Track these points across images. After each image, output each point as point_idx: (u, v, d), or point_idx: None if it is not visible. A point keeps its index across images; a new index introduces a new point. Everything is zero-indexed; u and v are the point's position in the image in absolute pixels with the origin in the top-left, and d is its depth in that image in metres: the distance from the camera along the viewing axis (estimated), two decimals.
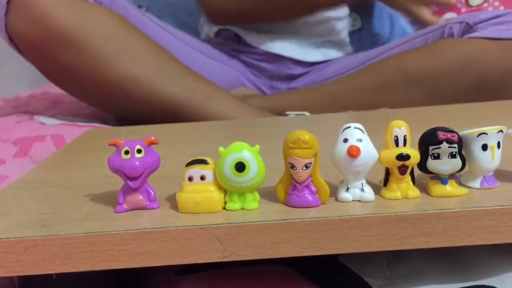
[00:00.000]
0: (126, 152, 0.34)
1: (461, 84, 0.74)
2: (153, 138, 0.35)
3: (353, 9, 1.11)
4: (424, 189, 0.35)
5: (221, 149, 0.34)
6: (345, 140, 0.33)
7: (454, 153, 0.33)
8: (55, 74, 0.77)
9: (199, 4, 0.96)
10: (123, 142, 0.35)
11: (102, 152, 0.53)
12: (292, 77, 0.99)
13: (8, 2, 0.70)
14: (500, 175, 0.36)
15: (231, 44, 0.99)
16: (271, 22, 0.96)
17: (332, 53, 1.00)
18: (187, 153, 0.51)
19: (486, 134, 0.34)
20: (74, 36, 0.70)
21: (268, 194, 0.36)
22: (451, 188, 0.34)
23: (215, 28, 1.01)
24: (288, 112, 0.76)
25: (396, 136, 0.34)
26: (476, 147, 0.34)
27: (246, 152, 0.33)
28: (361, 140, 0.33)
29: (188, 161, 0.35)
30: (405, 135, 0.34)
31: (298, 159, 0.33)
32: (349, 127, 0.34)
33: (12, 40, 0.75)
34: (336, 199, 0.34)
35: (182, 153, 0.51)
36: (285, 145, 0.33)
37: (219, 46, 0.99)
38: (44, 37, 0.70)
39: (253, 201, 0.34)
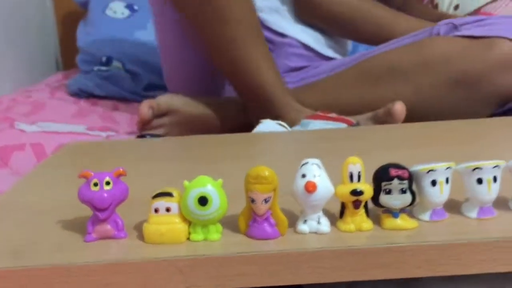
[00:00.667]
0: (95, 184, 0.36)
1: (444, 78, 0.77)
2: (121, 170, 0.37)
3: None
4: (378, 220, 0.37)
5: (186, 183, 0.36)
6: (303, 176, 0.35)
7: (404, 189, 0.35)
8: None
9: None
10: (92, 174, 0.36)
11: (78, 170, 0.55)
12: (287, 70, 1.01)
13: None
14: (449, 206, 0.38)
15: None
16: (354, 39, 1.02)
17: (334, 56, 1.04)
18: (166, 172, 0.53)
19: (435, 171, 0.36)
20: None
21: (231, 224, 0.37)
22: (401, 221, 0.36)
23: None
24: (263, 120, 0.77)
25: (351, 172, 0.36)
26: (426, 183, 0.36)
27: (209, 187, 0.35)
28: (317, 176, 0.35)
29: (155, 193, 0.36)
30: (359, 171, 0.36)
31: (258, 194, 0.35)
32: (307, 163, 0.36)
33: None
34: (295, 230, 0.36)
35: (160, 172, 0.53)
36: (246, 180, 0.35)
37: None
38: None
39: (215, 233, 0.36)
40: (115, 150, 0.62)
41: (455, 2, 1.32)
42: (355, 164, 0.36)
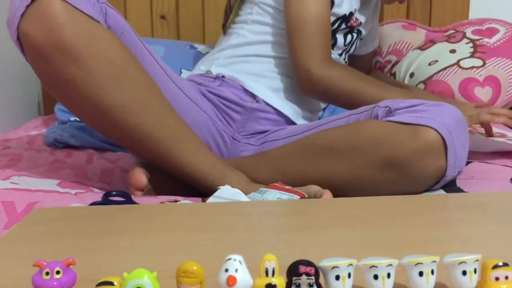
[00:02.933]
0: (47, 273, 0.42)
1: (375, 160, 0.84)
2: (71, 260, 0.43)
3: None
4: None
5: (125, 274, 0.42)
6: (226, 270, 0.42)
7: (311, 283, 0.41)
8: (51, 82, 0.84)
9: (298, 65, 1.04)
10: (45, 264, 0.42)
11: (40, 242, 0.60)
12: (254, 132, 1.09)
13: (28, 6, 0.76)
14: None
15: (210, 86, 1.09)
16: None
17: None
18: (116, 247, 0.58)
19: (338, 267, 0.42)
20: (81, 53, 0.78)
21: None
22: None
23: (204, 68, 1.12)
24: (221, 187, 0.84)
25: (267, 268, 0.42)
26: (331, 277, 0.42)
27: (145, 279, 0.41)
28: (238, 270, 0.41)
29: (99, 281, 0.42)
30: (273, 267, 0.42)
31: (186, 286, 0.41)
32: (230, 259, 0.42)
33: (19, 40, 0.80)
34: None
35: (111, 247, 0.58)
36: (177, 273, 0.41)
37: (199, 86, 1.09)
38: (53, 47, 0.77)
39: None
40: (77, 219, 0.68)
41: (410, 71, 1.43)
42: (270, 261, 0.42)
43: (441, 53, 1.46)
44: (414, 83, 1.42)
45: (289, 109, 1.10)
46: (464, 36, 1.50)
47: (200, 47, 1.56)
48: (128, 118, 0.83)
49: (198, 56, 1.45)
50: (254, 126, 1.08)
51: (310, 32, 1.02)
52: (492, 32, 1.49)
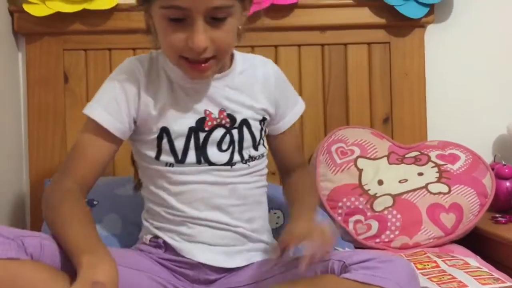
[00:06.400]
0: None
1: None
2: None
3: (277, 207, 1.33)
4: None
5: None
6: None
7: None
8: None
9: None
10: None
11: None
12: (210, 282, 1.09)
13: None
14: None
15: (158, 253, 1.11)
16: None
17: (255, 257, 1.10)
18: None
19: None
20: None
21: None
22: None
23: (148, 236, 1.13)
24: None
25: None
26: None
27: None
28: None
29: None
30: None
31: None
32: None
33: None
34: None
35: None
36: None
37: (150, 255, 1.11)
38: None
39: None
40: None
41: (378, 177, 1.50)
42: None
43: (410, 174, 1.52)
44: (382, 191, 1.47)
45: (225, 260, 1.08)
46: (429, 159, 1.56)
47: None
48: None
49: None
50: (206, 276, 1.09)
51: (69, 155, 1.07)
52: (454, 158, 1.56)
